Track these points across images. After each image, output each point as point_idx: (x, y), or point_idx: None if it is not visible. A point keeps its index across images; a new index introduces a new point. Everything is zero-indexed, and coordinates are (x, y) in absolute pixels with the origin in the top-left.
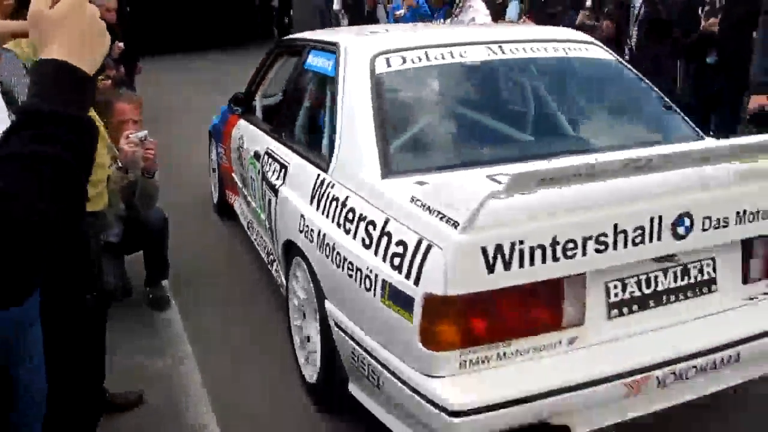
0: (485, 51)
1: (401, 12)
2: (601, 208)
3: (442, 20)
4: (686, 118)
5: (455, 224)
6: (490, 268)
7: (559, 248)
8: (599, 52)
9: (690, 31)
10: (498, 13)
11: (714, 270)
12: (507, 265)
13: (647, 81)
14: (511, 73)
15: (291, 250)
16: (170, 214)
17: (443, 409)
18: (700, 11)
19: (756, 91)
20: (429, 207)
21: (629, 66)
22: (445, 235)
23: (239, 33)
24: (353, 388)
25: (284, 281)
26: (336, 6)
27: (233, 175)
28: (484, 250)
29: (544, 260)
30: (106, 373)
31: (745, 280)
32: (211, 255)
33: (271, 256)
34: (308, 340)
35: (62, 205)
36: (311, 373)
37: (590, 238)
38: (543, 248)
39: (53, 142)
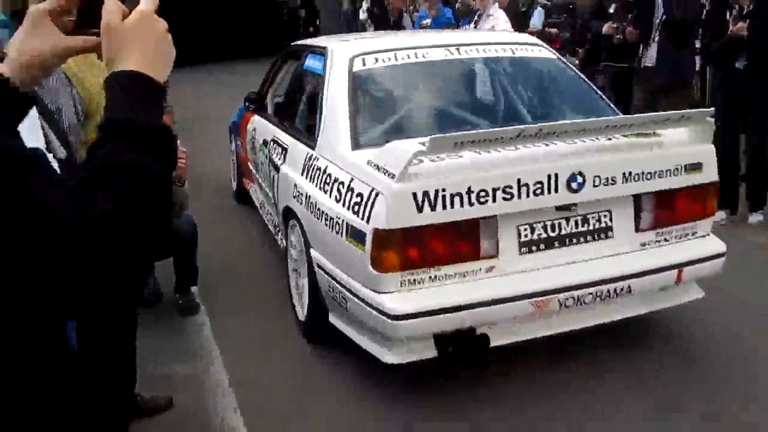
0: (444, 52)
1: (428, 21)
2: (508, 166)
3: (467, 27)
4: (608, 101)
5: (392, 176)
6: (419, 209)
7: (473, 196)
8: (543, 52)
9: (719, 35)
10: (521, 22)
11: (611, 220)
12: (432, 207)
13: (580, 74)
14: (463, 69)
15: (288, 215)
16: (198, 216)
17: (388, 316)
18: (728, 15)
19: None
20: (377, 165)
21: (567, 62)
22: (386, 184)
23: (266, 43)
24: (332, 317)
25: (284, 243)
26: (362, 16)
27: (249, 164)
28: (414, 195)
29: (462, 204)
30: (138, 379)
31: (638, 229)
32: (234, 250)
33: (277, 228)
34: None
35: (146, 209)
36: (303, 315)
37: (498, 189)
38: (460, 195)
39: (127, 151)
